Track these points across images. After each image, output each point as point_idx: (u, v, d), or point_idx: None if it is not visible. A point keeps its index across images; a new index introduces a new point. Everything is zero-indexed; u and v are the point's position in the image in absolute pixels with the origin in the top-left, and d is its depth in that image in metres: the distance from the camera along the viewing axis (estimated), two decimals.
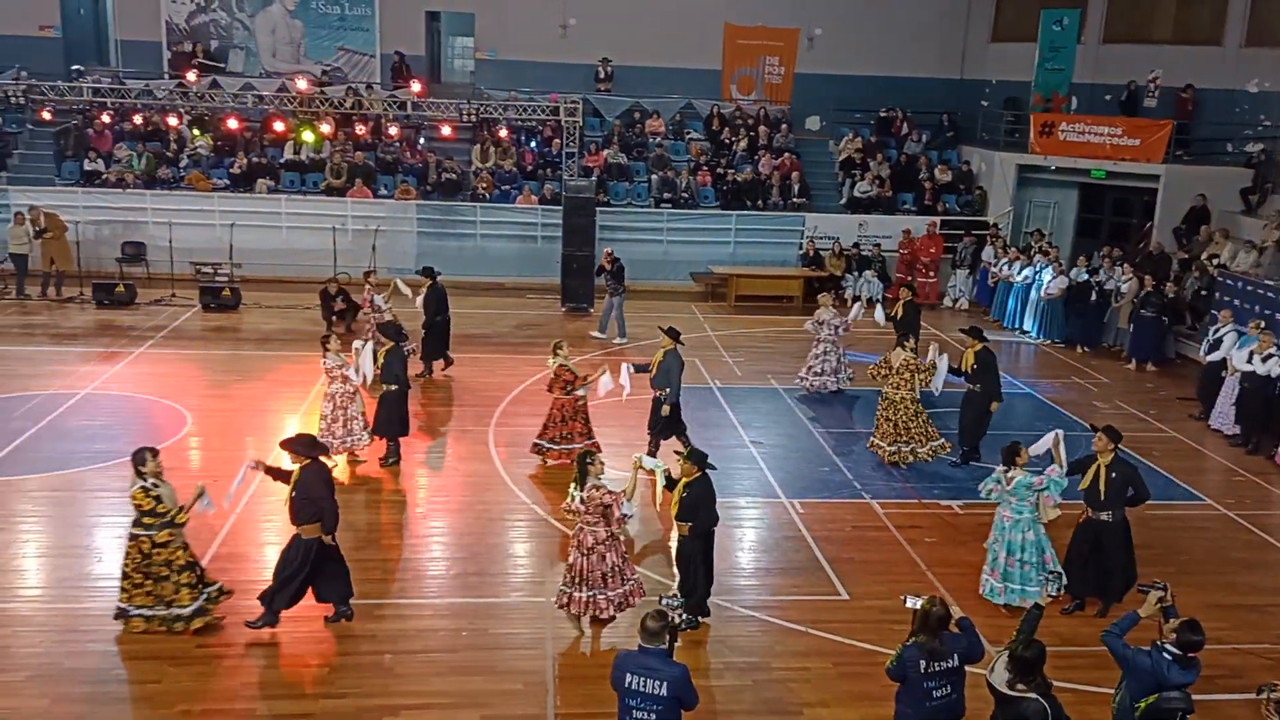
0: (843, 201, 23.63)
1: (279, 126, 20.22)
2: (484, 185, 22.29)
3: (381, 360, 11.97)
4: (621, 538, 8.68)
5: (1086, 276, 18.87)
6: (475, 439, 13.10)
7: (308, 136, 20.30)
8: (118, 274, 19.70)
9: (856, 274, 21.74)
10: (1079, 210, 22.99)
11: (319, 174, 22.24)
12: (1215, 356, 14.81)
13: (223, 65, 24.18)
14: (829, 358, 15.18)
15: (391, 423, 12.05)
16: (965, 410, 12.83)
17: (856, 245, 22.16)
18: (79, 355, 15.92)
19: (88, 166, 21.69)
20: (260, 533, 10.24)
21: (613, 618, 8.60)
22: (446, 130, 20.55)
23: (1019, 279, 19.96)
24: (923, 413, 12.53)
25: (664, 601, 6.36)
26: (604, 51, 24.64)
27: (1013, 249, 20.93)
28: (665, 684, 5.96)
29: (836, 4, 25.00)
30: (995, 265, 20.83)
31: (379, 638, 8.54)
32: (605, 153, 23.29)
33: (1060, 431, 9.89)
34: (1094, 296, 18.56)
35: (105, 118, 20.66)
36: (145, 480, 8.13)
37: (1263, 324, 14.35)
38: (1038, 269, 19.70)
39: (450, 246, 21.35)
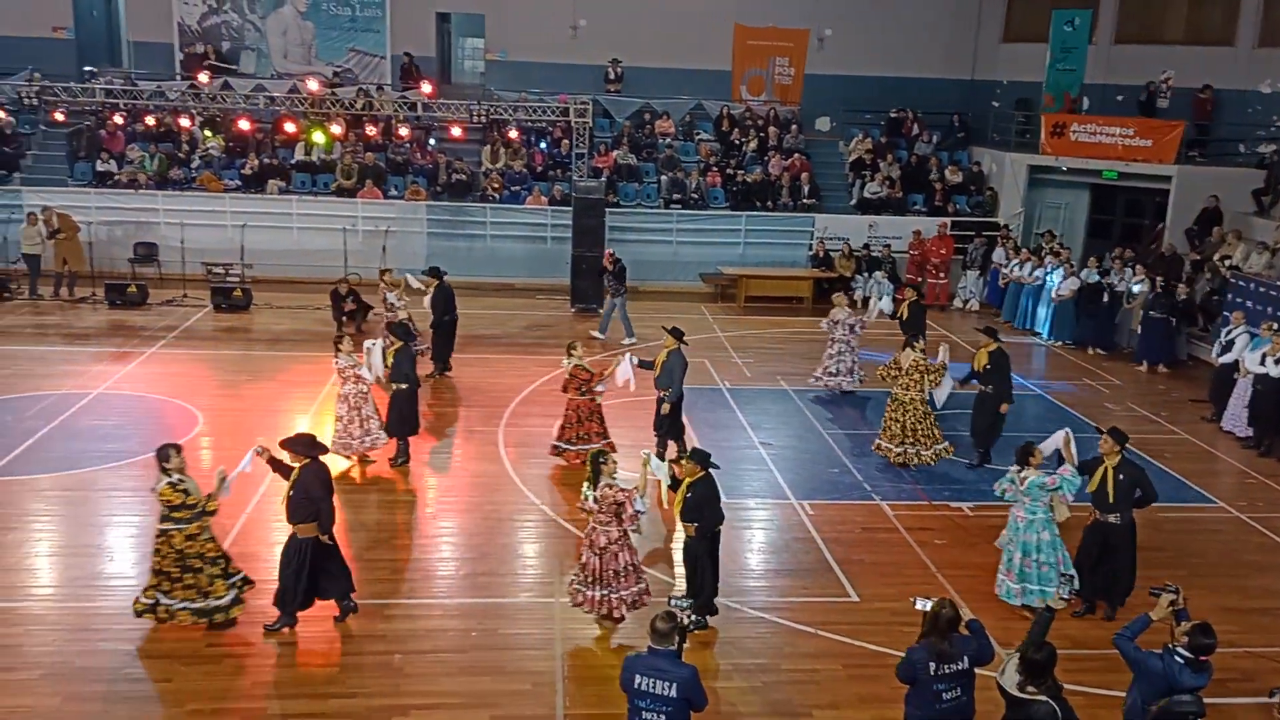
0: (853, 202, 23.59)
1: (290, 128, 20.29)
2: (494, 186, 22.33)
3: (391, 360, 12.01)
4: (633, 537, 8.68)
5: (1097, 278, 18.79)
6: (484, 439, 13.12)
7: (318, 138, 20.35)
8: (130, 274, 19.79)
9: (866, 275, 21.70)
10: (1090, 211, 22.90)
11: (330, 175, 22.33)
12: (1228, 358, 14.74)
13: (234, 66, 24.27)
14: (844, 357, 15.18)
15: (402, 422, 12.09)
16: (978, 412, 12.80)
17: (867, 246, 22.11)
18: (91, 355, 16.00)
19: (100, 167, 21.80)
20: (271, 532, 10.25)
21: (623, 617, 8.61)
22: (456, 131, 20.57)
23: (1030, 280, 19.91)
24: (931, 415, 12.50)
25: (673, 602, 6.35)
26: (614, 52, 24.66)
27: (1024, 250, 20.88)
28: (675, 685, 5.96)
29: (847, 4, 24.96)
30: (1006, 266, 20.77)
31: (388, 638, 8.56)
32: (615, 154, 23.30)
33: (1068, 430, 9.81)
34: (1106, 298, 18.50)
35: (118, 119, 20.74)
36: (171, 476, 8.20)
37: (1275, 325, 14.24)
38: (1049, 270, 19.65)
39: (460, 247, 21.39)
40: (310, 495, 8.35)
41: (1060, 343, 18.95)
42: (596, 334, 18.15)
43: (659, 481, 8.86)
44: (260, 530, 10.33)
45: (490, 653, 8.40)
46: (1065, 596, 7.18)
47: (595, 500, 8.44)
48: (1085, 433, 12.96)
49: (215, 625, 8.43)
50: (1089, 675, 8.16)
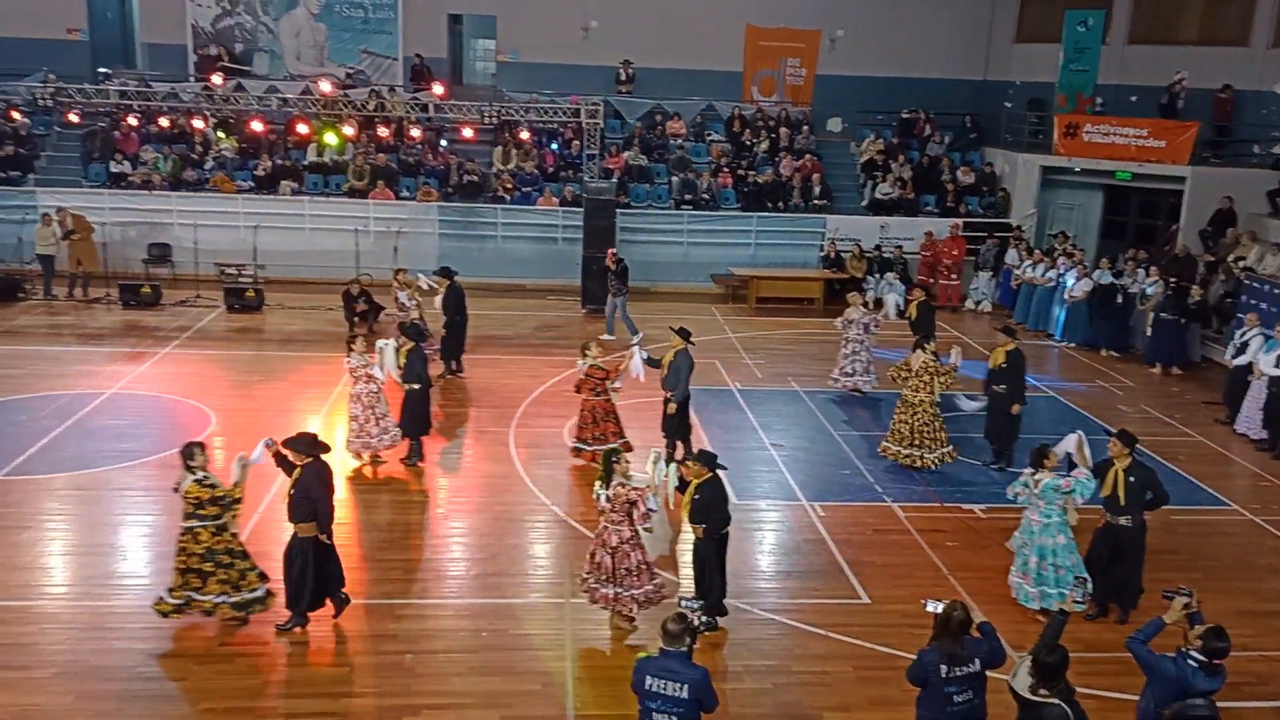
0: (864, 203, 23.54)
1: (303, 129, 20.36)
2: (505, 187, 22.37)
3: (404, 360, 12.05)
4: (643, 535, 8.68)
5: (1111, 279, 18.71)
6: (495, 440, 13.14)
7: (331, 139, 20.44)
8: (143, 275, 19.89)
9: (878, 276, 21.65)
10: (1104, 212, 22.80)
11: (342, 176, 22.41)
12: (1242, 360, 14.65)
13: (248, 68, 24.36)
14: (859, 357, 15.17)
15: (414, 422, 12.13)
16: (995, 414, 12.74)
17: (878, 247, 22.07)
18: (105, 355, 16.09)
19: (114, 168, 21.93)
20: (283, 532, 10.24)
21: (634, 616, 8.62)
22: (468, 132, 20.61)
23: (1043, 281, 19.84)
24: (939, 417, 12.45)
25: (683, 603, 6.35)
26: (625, 53, 24.66)
27: (1036, 251, 20.80)
28: (686, 686, 5.96)
29: (858, 5, 24.92)
30: (1019, 268, 20.69)
31: (400, 637, 8.58)
32: (626, 154, 23.31)
33: (1081, 434, 9.75)
34: (1119, 299, 18.41)
35: (132, 120, 20.85)
36: (196, 473, 8.26)
37: None
38: (1062, 271, 19.57)
39: (471, 248, 21.43)
40: (310, 495, 8.39)
41: (1073, 344, 18.88)
42: (606, 336, 18.15)
43: (666, 482, 8.86)
44: (273, 530, 10.32)
45: (501, 653, 8.42)
46: (1080, 600, 7.14)
47: (607, 499, 8.46)
48: (1097, 435, 12.91)
49: (246, 618, 8.49)
50: (1102, 678, 8.12)
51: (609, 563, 8.49)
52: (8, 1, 23.48)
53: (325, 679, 8.07)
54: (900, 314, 15.84)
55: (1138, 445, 9.32)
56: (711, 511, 8.63)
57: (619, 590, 8.49)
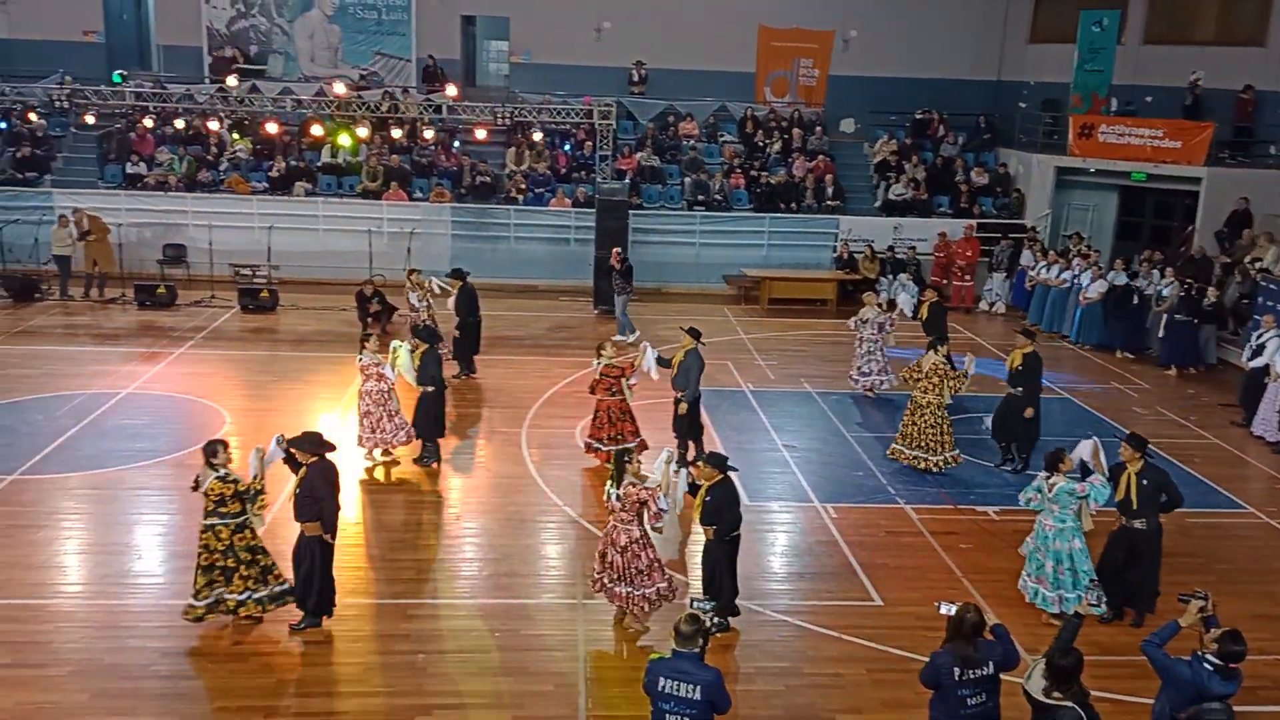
0: (877, 204, 23.48)
1: (317, 130, 20.44)
2: (518, 188, 22.40)
3: (418, 363, 12.08)
4: (653, 535, 8.67)
5: (1126, 280, 18.62)
6: (508, 441, 13.16)
7: (344, 140, 20.52)
8: (159, 276, 19.98)
9: (891, 277, 21.59)
10: (1119, 213, 22.68)
11: (355, 177, 22.48)
12: (1258, 362, 14.54)
13: (262, 70, 24.49)
14: (874, 356, 15.14)
15: (430, 424, 12.16)
16: (1011, 417, 12.67)
17: (891, 248, 22.01)
18: (120, 355, 16.18)
19: (130, 170, 22.06)
20: (296, 530, 10.31)
21: (645, 613, 8.62)
22: (481, 133, 20.66)
23: (1057, 283, 19.75)
24: (946, 420, 12.38)
25: (695, 605, 6.35)
26: (638, 54, 24.67)
27: (1051, 252, 20.70)
28: (698, 688, 5.96)
29: (871, 6, 24.86)
30: (1033, 269, 20.60)
31: (412, 637, 8.60)
32: (639, 155, 23.31)
33: (1096, 440, 9.69)
34: (1135, 301, 18.31)
35: (147, 122, 20.97)
36: (218, 470, 8.30)
37: None
38: (1076, 272, 19.48)
39: (484, 249, 21.47)
40: (315, 494, 8.41)
41: (1088, 346, 18.79)
42: (619, 337, 18.15)
43: (676, 483, 8.85)
44: (289, 529, 10.36)
45: (513, 653, 8.43)
46: (1094, 603, 7.10)
47: (618, 498, 8.47)
48: (1111, 438, 12.84)
49: (252, 620, 8.53)
50: (1117, 681, 8.08)
51: (620, 562, 8.50)
52: (24, 4, 23.70)
53: (338, 678, 8.09)
54: (914, 316, 15.80)
55: (1151, 447, 9.25)
56: (723, 513, 8.62)
57: (630, 589, 8.50)
